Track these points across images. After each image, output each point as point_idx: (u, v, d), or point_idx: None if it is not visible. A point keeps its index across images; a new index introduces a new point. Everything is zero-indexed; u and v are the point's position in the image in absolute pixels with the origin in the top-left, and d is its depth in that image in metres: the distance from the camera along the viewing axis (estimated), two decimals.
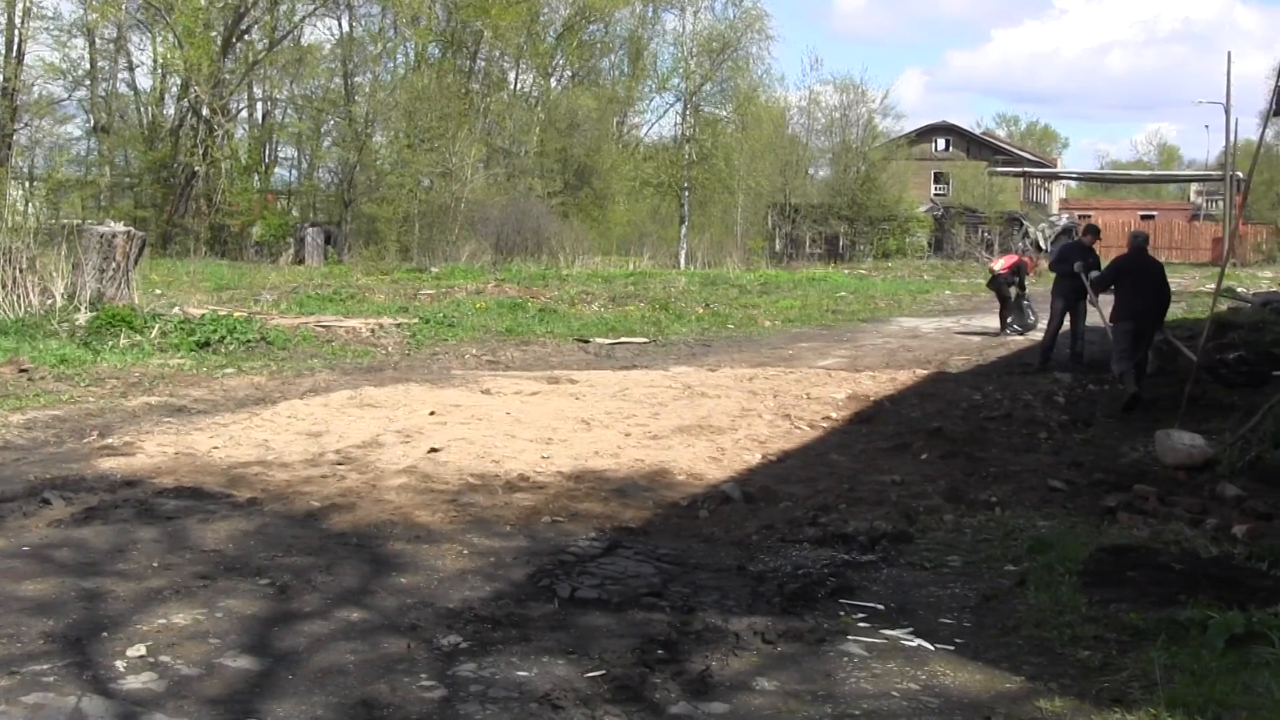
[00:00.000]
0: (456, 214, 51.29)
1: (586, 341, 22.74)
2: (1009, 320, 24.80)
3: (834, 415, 14.28)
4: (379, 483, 10.27)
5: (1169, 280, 16.82)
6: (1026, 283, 25.43)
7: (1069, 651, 6.33)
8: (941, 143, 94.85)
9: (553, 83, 66.95)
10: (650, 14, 68.53)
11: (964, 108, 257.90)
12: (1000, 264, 25.42)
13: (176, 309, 22.37)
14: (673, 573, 7.75)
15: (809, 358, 20.79)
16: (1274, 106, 11.49)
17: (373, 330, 22.25)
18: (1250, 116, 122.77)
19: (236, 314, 22.12)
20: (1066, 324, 19.33)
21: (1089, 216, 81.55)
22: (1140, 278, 16.25)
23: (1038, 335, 21.20)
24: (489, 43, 60.15)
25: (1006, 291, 24.78)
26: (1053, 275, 19.81)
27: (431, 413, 13.82)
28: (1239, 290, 33.91)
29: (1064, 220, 73.45)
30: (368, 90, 55.97)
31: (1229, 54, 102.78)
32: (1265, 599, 6.85)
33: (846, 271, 52.35)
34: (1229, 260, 38.27)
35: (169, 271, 36.59)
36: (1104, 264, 18.63)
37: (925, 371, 18.60)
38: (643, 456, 11.62)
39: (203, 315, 21.29)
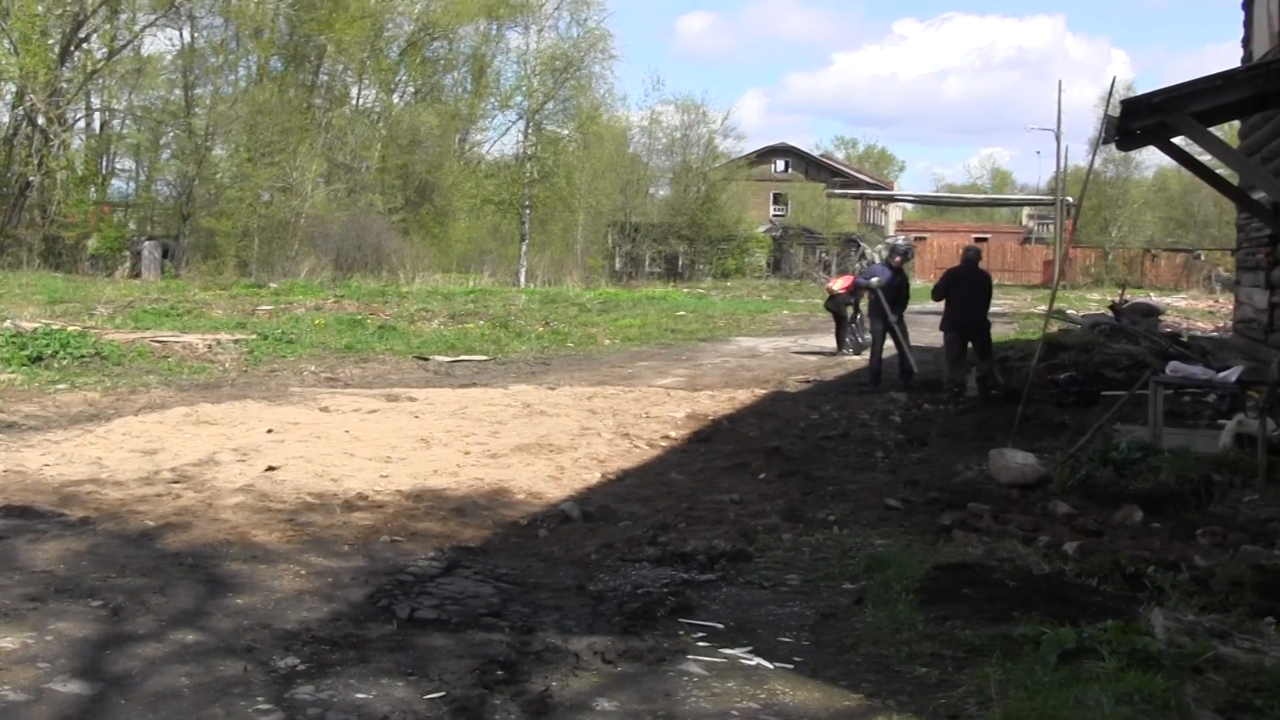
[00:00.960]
0: (296, 229, 50.73)
1: (426, 359, 22.61)
2: (846, 340, 25.12)
3: (673, 434, 14.35)
4: (215, 501, 10.08)
5: (999, 298, 17.44)
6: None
7: (906, 669, 6.39)
8: (781, 164, 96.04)
9: (395, 98, 66.54)
10: (494, 31, 68.43)
11: (804, 130, 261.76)
12: (839, 284, 25.74)
13: (8, 322, 21.85)
14: (512, 592, 7.70)
15: (648, 376, 20.86)
16: (1103, 134, 11.77)
17: (210, 346, 21.85)
18: (1080, 143, 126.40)
19: (70, 328, 21.66)
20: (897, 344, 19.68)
21: (925, 238, 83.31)
22: (970, 289, 17.05)
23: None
24: (332, 57, 59.61)
25: (844, 312, 25.10)
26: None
27: (269, 430, 13.61)
28: (1069, 312, 34.76)
29: (901, 242, 74.85)
30: (208, 103, 55.00)
31: (1060, 83, 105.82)
32: (1095, 614, 6.99)
33: (686, 291, 52.77)
34: (1060, 283, 39.18)
35: None
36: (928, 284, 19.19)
37: (764, 391, 18.77)
38: (482, 475, 11.57)
39: (35, 329, 20.81)
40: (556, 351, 25.25)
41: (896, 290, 19.78)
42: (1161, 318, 30.33)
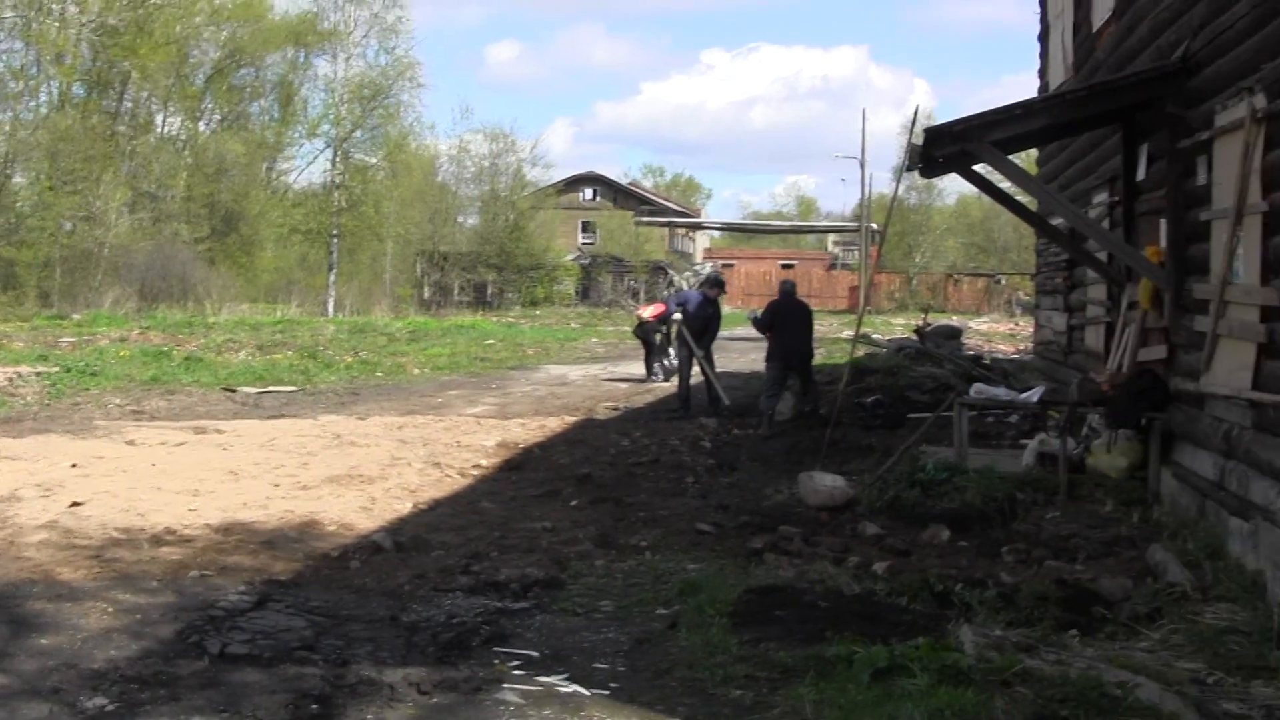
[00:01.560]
0: (100, 259, 49.44)
1: (234, 390, 22.20)
2: (655, 367, 25.24)
3: (484, 463, 14.32)
4: (18, 539, 9.79)
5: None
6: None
7: (721, 691, 6.43)
8: (589, 192, 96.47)
9: (201, 126, 65.37)
10: (302, 59, 67.65)
11: (612, 158, 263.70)
12: (648, 312, 25.85)
13: None
14: (325, 625, 7.60)
15: (459, 405, 20.77)
16: (907, 162, 12.04)
17: (10, 379, 21.22)
18: (884, 171, 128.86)
19: None
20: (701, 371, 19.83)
21: (732, 265, 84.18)
22: (793, 321, 17.35)
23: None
24: (136, 84, 58.21)
25: (653, 339, 25.21)
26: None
27: (73, 465, 13.25)
28: (875, 336, 35.44)
29: (708, 269, 75.53)
30: (8, 129, 53.22)
31: (864, 111, 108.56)
32: (905, 632, 7.12)
33: (495, 319, 52.62)
34: (865, 308, 39.95)
35: None
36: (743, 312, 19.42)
37: (574, 418, 18.80)
38: (292, 507, 11.41)
39: None
40: (366, 382, 25.00)
41: (707, 320, 19.94)
42: (964, 339, 31.04)
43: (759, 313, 18.82)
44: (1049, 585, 8.35)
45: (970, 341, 33.24)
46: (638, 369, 26.33)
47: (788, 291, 18.49)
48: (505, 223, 72.10)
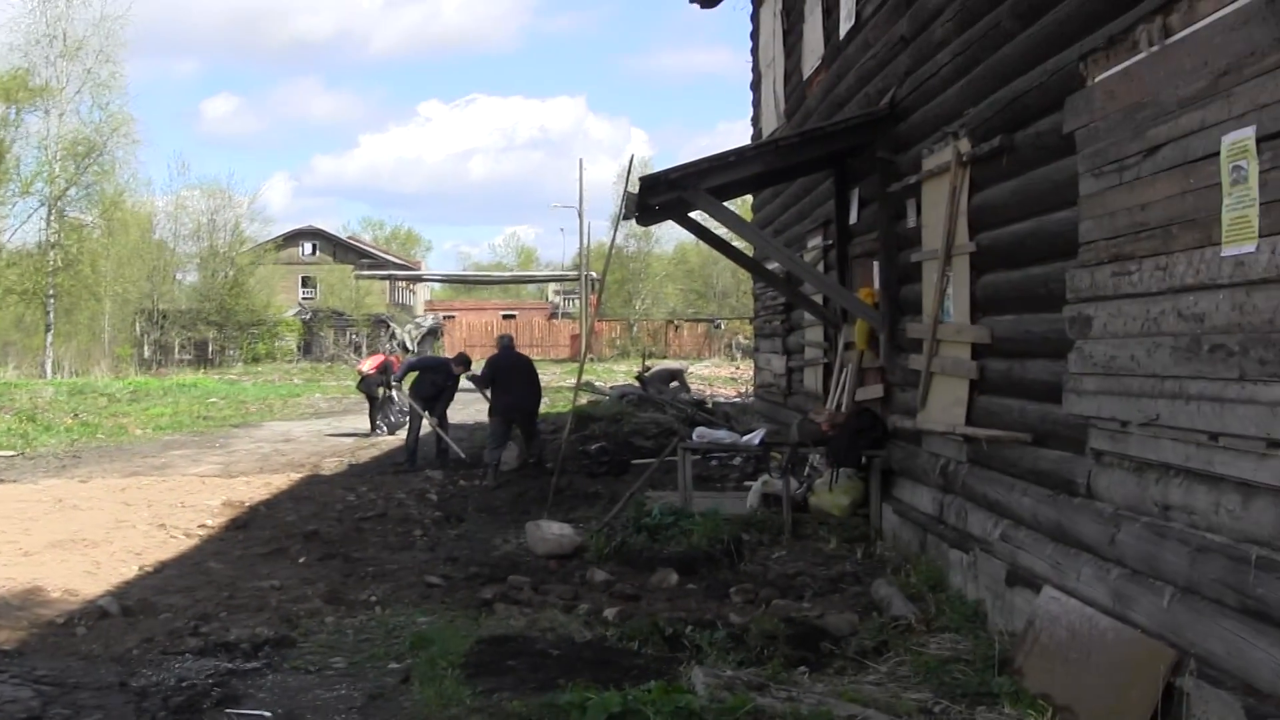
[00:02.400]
0: None
1: None
2: (379, 421, 24.96)
3: (210, 523, 13.95)
4: None
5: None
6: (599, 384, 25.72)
7: None
8: (309, 247, 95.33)
9: None
10: (13, 115, 64.92)
11: (332, 212, 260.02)
12: (368, 365, 25.55)
13: None
14: (52, 694, 7.25)
15: (182, 465, 20.19)
16: (624, 211, 12.10)
17: None
18: (603, 219, 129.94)
19: None
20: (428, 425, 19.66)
21: (454, 317, 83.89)
22: (514, 375, 17.36)
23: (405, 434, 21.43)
24: None
25: (375, 393, 24.95)
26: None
27: None
28: (598, 384, 35.66)
29: (429, 321, 75.15)
30: None
31: (580, 161, 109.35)
32: (638, 677, 7.10)
33: (217, 377, 51.51)
34: (587, 356, 40.19)
35: None
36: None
37: (299, 475, 18.44)
38: (14, 574, 10.95)
39: None
40: (87, 444, 24.15)
41: (440, 389, 19.76)
42: (686, 379, 31.42)
43: (479, 367, 18.86)
44: (777, 624, 8.44)
45: (693, 385, 33.68)
46: (362, 423, 25.98)
47: (506, 346, 18.54)
48: (225, 279, 70.61)
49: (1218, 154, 5.46)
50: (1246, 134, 5.23)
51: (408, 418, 20.16)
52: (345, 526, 13.54)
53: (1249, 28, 5.27)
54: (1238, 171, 5.30)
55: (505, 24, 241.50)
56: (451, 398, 19.93)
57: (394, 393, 24.35)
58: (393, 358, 27.21)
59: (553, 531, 11.72)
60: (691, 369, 33.78)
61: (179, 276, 74.80)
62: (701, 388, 34.44)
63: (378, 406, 24.99)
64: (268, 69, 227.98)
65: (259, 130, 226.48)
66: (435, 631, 8.50)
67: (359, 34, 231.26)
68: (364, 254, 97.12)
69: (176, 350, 66.84)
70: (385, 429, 24.69)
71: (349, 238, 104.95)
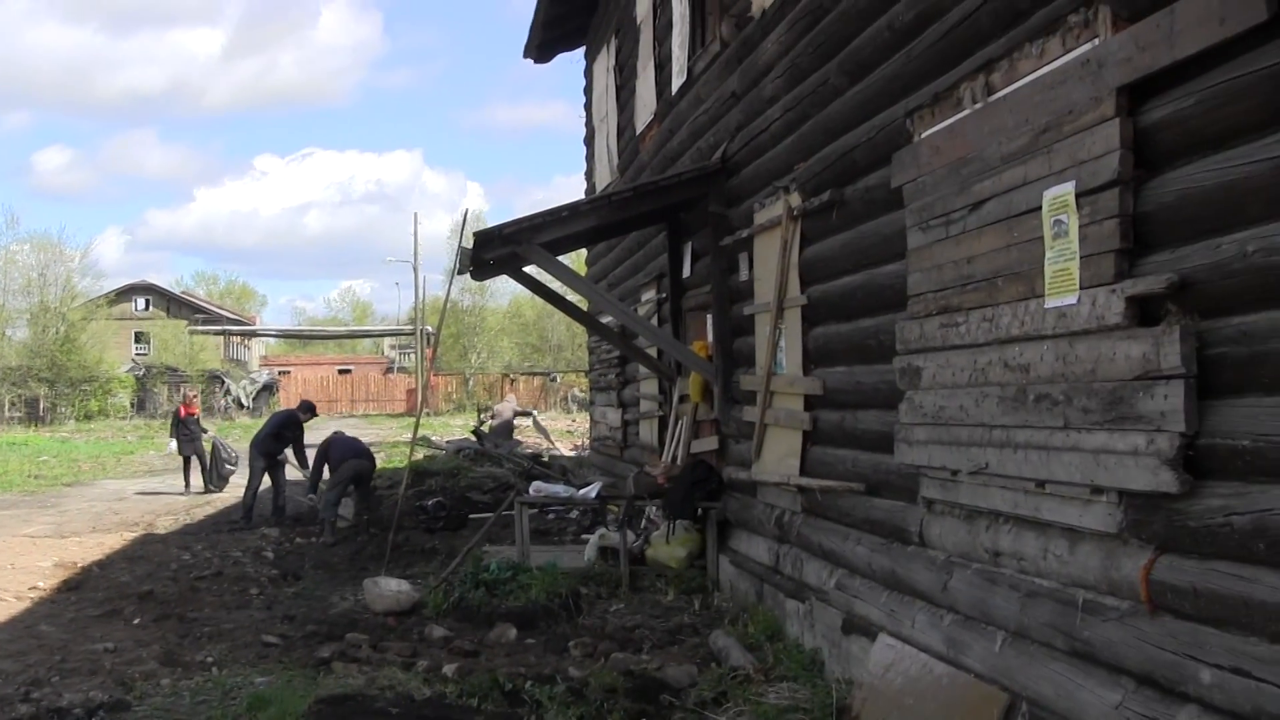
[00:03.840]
0: None
1: None
2: (212, 475, 24.56)
3: (42, 584, 13.60)
4: None
5: (364, 429, 17.76)
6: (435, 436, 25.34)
7: None
8: (142, 302, 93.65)
9: None
10: None
11: (165, 266, 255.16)
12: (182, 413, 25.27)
13: None
14: None
15: (13, 526, 19.59)
16: (458, 265, 12.07)
17: None
18: (438, 273, 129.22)
19: None
20: (268, 480, 19.40)
21: (289, 372, 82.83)
22: (346, 441, 17.41)
23: (239, 491, 21.08)
24: None
25: (200, 449, 24.62)
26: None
27: None
28: (434, 439, 35.36)
29: (265, 377, 74.10)
30: None
31: (415, 215, 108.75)
32: None
33: (49, 435, 50.28)
34: (423, 410, 39.88)
35: None
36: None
37: (134, 534, 18.03)
38: None
39: None
40: None
41: (288, 441, 19.53)
42: (522, 438, 31.34)
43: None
44: (617, 677, 8.43)
45: (529, 439, 33.59)
46: (195, 480, 25.45)
47: (339, 435, 18.58)
48: (56, 335, 68.94)
49: (1040, 208, 5.62)
50: (1066, 189, 5.39)
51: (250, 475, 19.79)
52: (181, 586, 13.26)
53: (1067, 87, 5.44)
54: (1059, 226, 5.45)
55: (343, 79, 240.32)
56: (302, 448, 19.67)
57: (214, 445, 24.20)
58: (187, 406, 26.66)
59: (390, 588, 11.59)
60: (527, 423, 33.66)
61: (8, 333, 72.82)
62: (538, 441, 34.33)
63: (208, 463, 24.63)
64: (101, 121, 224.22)
65: (92, 183, 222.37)
66: (273, 692, 8.34)
67: (195, 87, 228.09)
68: (198, 309, 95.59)
69: (6, 408, 64.95)
70: (216, 487, 24.35)
71: (183, 293, 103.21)
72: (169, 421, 25.12)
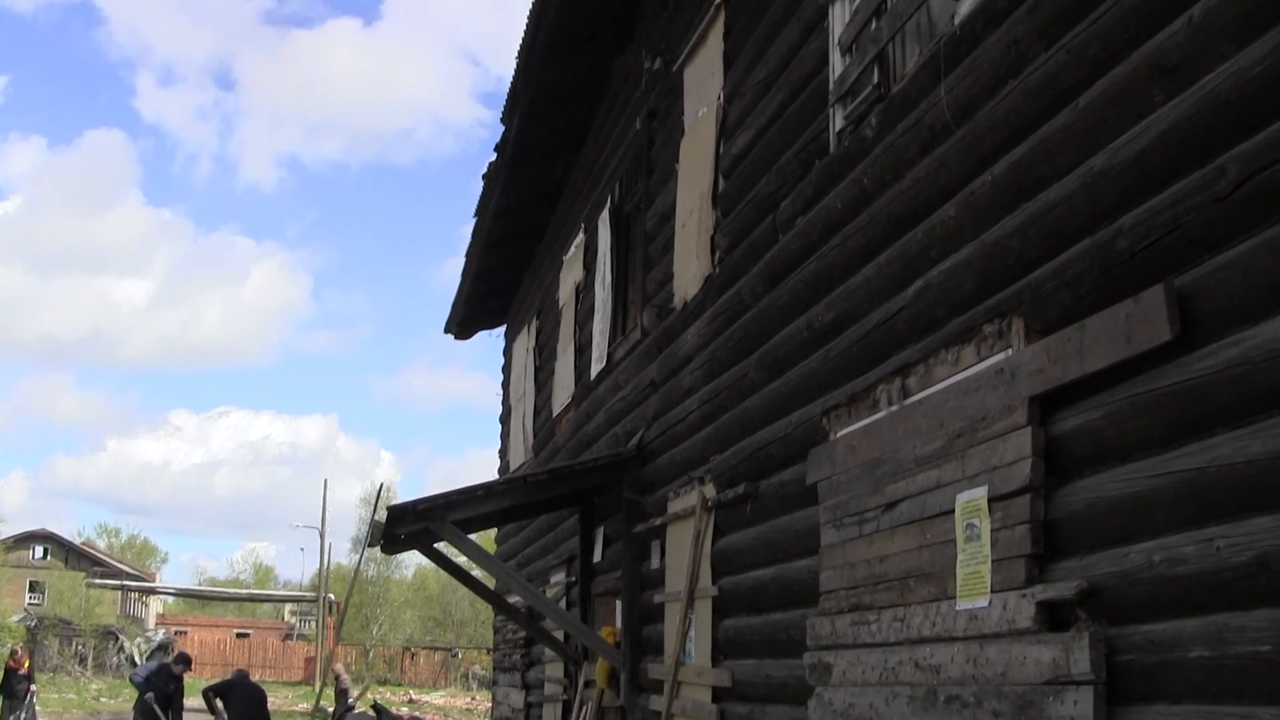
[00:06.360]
0: None
1: None
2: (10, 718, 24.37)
3: None
4: None
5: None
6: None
7: None
8: (40, 550, 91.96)
9: None
10: None
11: (68, 515, 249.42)
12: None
13: None
14: None
15: None
16: (369, 538, 12.01)
17: None
18: (343, 540, 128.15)
19: None
20: None
21: (186, 632, 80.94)
22: (242, 702, 17.16)
23: None
24: None
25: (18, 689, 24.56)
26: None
27: None
28: (330, 710, 34.47)
29: (160, 636, 72.31)
30: None
31: (325, 482, 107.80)
32: None
33: None
34: (323, 681, 38.90)
35: None
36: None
37: None
38: None
39: None
40: None
41: (169, 697, 19.18)
42: (418, 713, 30.70)
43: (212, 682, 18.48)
44: None
45: (427, 716, 32.86)
46: None
47: (242, 674, 18.36)
48: None
49: (953, 511, 5.69)
50: (979, 493, 5.48)
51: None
52: None
53: (981, 394, 5.58)
54: (971, 529, 5.52)
55: (263, 338, 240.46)
56: (181, 703, 19.28)
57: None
58: (15, 661, 26.22)
59: None
60: (427, 699, 32.91)
61: None
62: (435, 718, 33.57)
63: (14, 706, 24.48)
64: (16, 363, 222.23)
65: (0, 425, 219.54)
66: None
67: (116, 335, 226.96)
68: (98, 561, 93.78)
69: None
70: None
71: (83, 544, 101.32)
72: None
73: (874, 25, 7.31)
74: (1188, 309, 4.36)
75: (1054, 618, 4.99)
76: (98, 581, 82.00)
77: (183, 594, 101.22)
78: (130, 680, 20.42)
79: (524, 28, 13.90)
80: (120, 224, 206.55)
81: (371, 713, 28.13)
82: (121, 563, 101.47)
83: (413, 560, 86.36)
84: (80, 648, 67.37)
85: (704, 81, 10.82)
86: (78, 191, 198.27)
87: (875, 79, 7.31)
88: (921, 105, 6.48)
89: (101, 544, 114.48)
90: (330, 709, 36.02)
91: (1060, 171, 5.21)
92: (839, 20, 7.96)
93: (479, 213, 18.83)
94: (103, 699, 45.97)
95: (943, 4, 6.62)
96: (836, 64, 7.89)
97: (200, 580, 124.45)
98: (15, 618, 70.26)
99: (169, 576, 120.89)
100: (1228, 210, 4.24)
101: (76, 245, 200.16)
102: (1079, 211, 5.07)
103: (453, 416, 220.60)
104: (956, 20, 6.20)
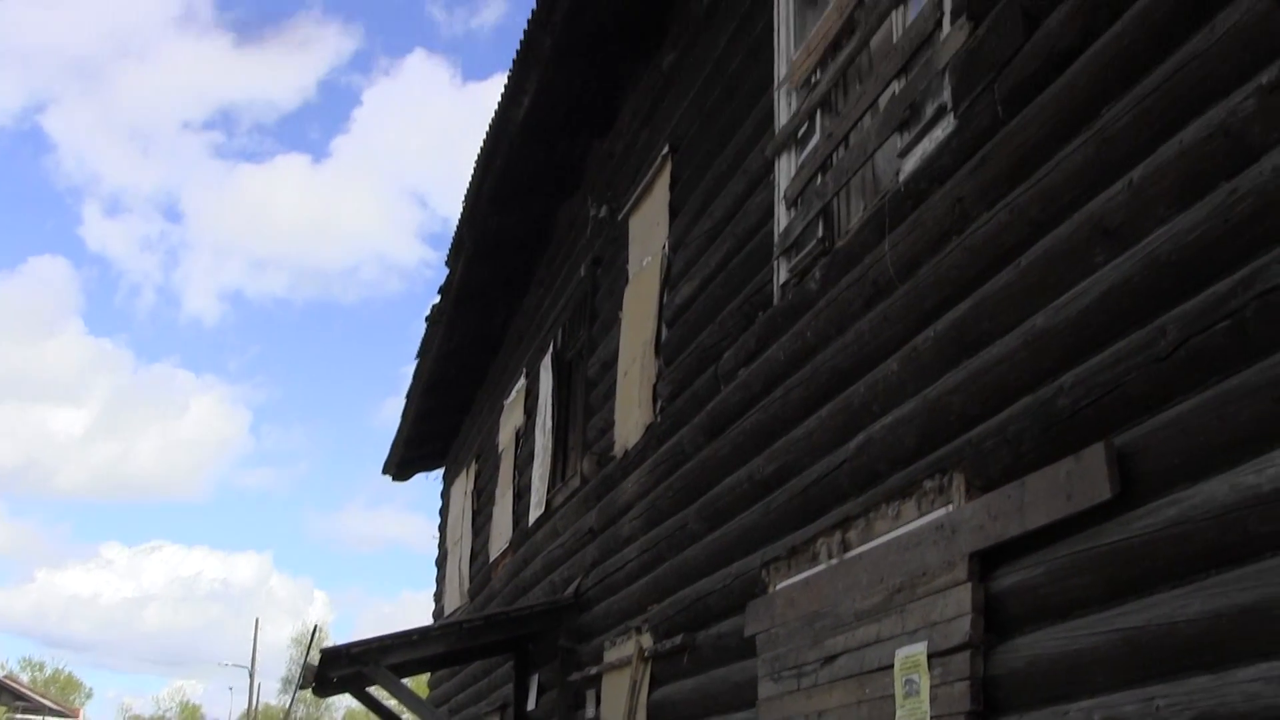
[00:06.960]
0: None
1: None
2: None
3: None
4: None
5: None
6: None
7: None
8: None
9: None
10: None
11: None
12: None
13: None
14: None
15: None
16: (301, 681, 11.80)
17: None
18: (273, 680, 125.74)
19: None
20: None
21: None
22: None
23: None
24: None
25: None
26: None
27: None
28: None
29: None
30: None
31: (256, 621, 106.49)
32: None
33: None
34: None
35: None
36: None
37: None
38: None
39: None
40: None
41: None
42: None
43: None
44: None
45: None
46: None
47: None
48: None
49: (892, 666, 5.65)
50: (919, 649, 5.44)
51: None
52: None
53: (921, 549, 5.57)
54: (910, 685, 5.48)
55: (201, 473, 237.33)
56: None
57: None
58: None
59: None
60: None
61: None
62: None
63: None
64: None
65: None
66: None
67: (49, 465, 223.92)
68: (20, 696, 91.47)
69: None
70: None
71: (5, 677, 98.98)
72: None
73: (819, 180, 7.42)
74: (1128, 468, 4.39)
75: None
76: (19, 717, 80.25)
77: None
78: None
79: (471, 174, 14.01)
80: (60, 352, 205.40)
81: None
82: (45, 698, 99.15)
83: (344, 703, 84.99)
84: None
85: (649, 230, 10.92)
86: (18, 318, 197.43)
87: (820, 233, 7.39)
88: (865, 260, 6.55)
89: (25, 678, 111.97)
90: None
91: (1002, 329, 5.26)
92: (785, 174, 8.07)
93: (421, 354, 18.84)
94: None
95: (888, 161, 6.73)
96: (782, 217, 7.99)
97: (125, 717, 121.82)
98: None
99: (93, 713, 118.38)
100: (1167, 370, 4.28)
101: (14, 372, 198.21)
102: (1021, 369, 5.11)
103: (388, 558, 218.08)
104: (901, 177, 6.30)
